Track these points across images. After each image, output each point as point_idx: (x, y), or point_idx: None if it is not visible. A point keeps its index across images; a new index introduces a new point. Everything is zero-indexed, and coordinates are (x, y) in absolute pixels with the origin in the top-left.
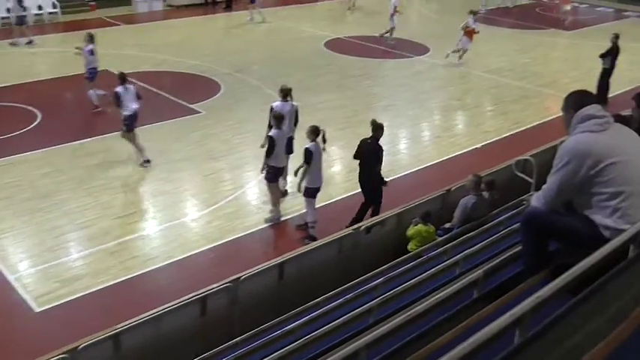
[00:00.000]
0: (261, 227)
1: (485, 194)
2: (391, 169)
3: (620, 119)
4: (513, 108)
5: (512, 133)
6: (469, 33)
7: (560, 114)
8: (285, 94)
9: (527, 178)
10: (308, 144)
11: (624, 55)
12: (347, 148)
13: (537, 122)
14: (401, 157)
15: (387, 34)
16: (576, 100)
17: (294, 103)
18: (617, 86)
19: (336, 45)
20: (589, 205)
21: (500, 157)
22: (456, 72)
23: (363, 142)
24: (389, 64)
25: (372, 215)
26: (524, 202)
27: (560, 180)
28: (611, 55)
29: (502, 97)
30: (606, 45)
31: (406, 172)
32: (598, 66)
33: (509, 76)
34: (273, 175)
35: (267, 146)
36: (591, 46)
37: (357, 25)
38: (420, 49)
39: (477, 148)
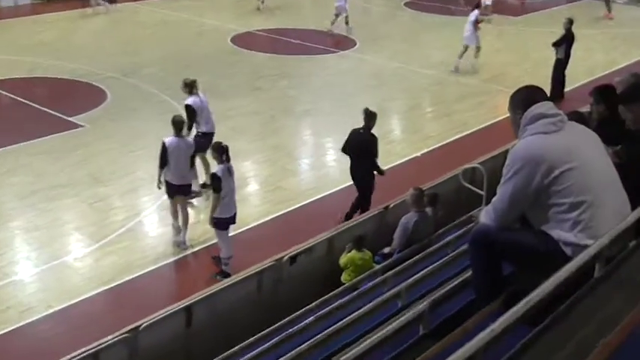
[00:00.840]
0: (163, 263)
1: (429, 211)
2: (315, 186)
3: (577, 117)
4: (457, 108)
5: (457, 137)
6: (476, 25)
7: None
8: (191, 87)
9: (476, 189)
10: (215, 167)
11: (580, 42)
12: (262, 163)
13: (485, 124)
14: (328, 172)
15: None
16: (524, 98)
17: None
18: (574, 79)
19: (246, 40)
20: (546, 218)
21: (444, 166)
22: (388, 69)
23: (355, 133)
24: (309, 62)
25: (354, 208)
26: (474, 219)
27: (512, 191)
28: (565, 43)
29: (444, 96)
30: (559, 32)
31: (335, 189)
32: (551, 56)
33: (450, 72)
34: (169, 190)
35: (160, 157)
36: (542, 33)
37: (270, 16)
38: (346, 43)
39: (416, 156)
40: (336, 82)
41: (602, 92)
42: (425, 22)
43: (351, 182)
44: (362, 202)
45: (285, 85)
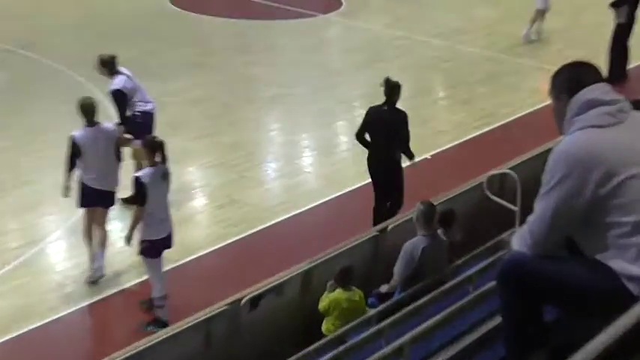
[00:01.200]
0: (73, 308)
1: (442, 233)
2: (286, 200)
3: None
4: (480, 93)
5: (479, 133)
6: None
7: (550, 101)
8: (111, 65)
9: (506, 204)
10: (139, 171)
11: None
12: (213, 169)
13: (518, 114)
14: (304, 180)
15: None
16: (571, 79)
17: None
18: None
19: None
20: (602, 244)
21: (462, 172)
22: (385, 38)
23: (375, 111)
24: (278, 29)
25: (387, 217)
26: (504, 244)
27: (555, 206)
28: (627, 2)
29: (461, 76)
30: None
31: (316, 204)
32: (608, 20)
33: (470, 42)
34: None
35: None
36: None
37: None
38: (328, 3)
39: (426, 158)
40: (315, 57)
41: None
42: None
43: (335, 194)
44: (397, 195)
45: (245, 62)
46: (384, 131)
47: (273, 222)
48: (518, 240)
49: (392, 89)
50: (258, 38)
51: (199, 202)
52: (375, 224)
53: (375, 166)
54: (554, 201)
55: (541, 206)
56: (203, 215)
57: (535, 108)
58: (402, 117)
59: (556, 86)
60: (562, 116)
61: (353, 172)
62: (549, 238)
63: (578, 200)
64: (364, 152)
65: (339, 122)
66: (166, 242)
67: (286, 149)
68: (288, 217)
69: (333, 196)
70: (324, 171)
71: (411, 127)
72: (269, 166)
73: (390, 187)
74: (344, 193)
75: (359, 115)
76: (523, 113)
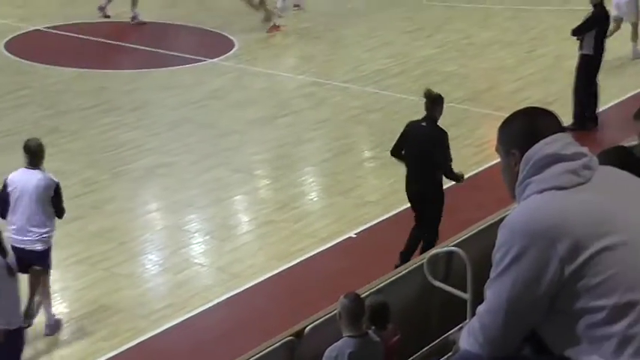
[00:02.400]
0: None
1: (374, 334)
2: (173, 302)
3: (617, 157)
4: None
5: None
6: None
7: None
8: None
9: (453, 291)
10: None
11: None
12: (75, 265)
13: (465, 175)
14: (195, 274)
15: None
16: (524, 129)
17: None
18: (612, 90)
19: (33, 45)
20: (573, 336)
21: (397, 252)
22: (290, 84)
23: (414, 127)
24: (154, 80)
25: (422, 251)
26: (451, 344)
27: (511, 292)
28: (594, 29)
29: (391, 130)
30: (582, 9)
31: (211, 304)
32: (572, 51)
33: (400, 87)
34: None
35: None
36: (553, 13)
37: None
38: (216, 45)
39: (350, 238)
40: (202, 114)
41: None
42: (358, 5)
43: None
44: (427, 232)
45: (109, 124)
46: (421, 149)
47: (155, 332)
48: (468, 337)
49: (433, 102)
50: (127, 93)
51: (57, 310)
52: (408, 249)
53: (408, 188)
54: (509, 285)
55: (493, 293)
56: (65, 328)
57: (484, 167)
58: (442, 135)
59: (505, 139)
60: (514, 177)
61: (258, 260)
62: (506, 333)
63: (539, 283)
64: (273, 232)
65: (236, 197)
66: (18, 335)
67: (169, 235)
68: (176, 324)
69: (233, 293)
70: (221, 261)
71: (329, 198)
72: (147, 258)
73: (422, 215)
74: (247, 289)
75: (263, 187)
76: (470, 174)
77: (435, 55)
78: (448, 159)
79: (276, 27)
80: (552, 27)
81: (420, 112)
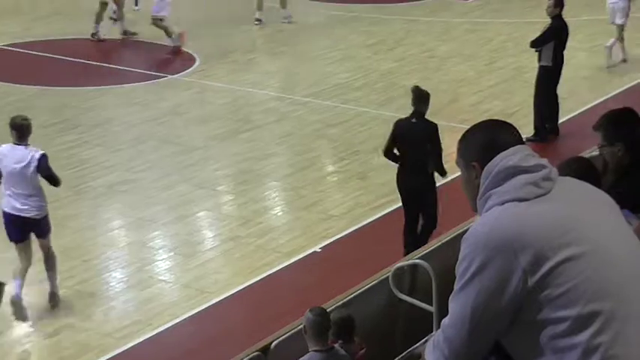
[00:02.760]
0: None
1: (340, 347)
2: (138, 319)
3: (577, 169)
4: (379, 164)
5: (381, 214)
6: None
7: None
8: None
9: (419, 303)
10: None
11: (579, 37)
12: (37, 283)
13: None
14: (160, 291)
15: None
16: (484, 142)
17: None
18: (571, 101)
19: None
20: (537, 347)
21: (362, 265)
22: (252, 99)
23: (403, 124)
24: (115, 96)
25: (420, 238)
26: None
27: (474, 304)
28: (552, 40)
29: (354, 144)
30: (540, 21)
31: (177, 321)
32: (530, 63)
33: (362, 100)
34: None
35: None
36: (512, 25)
37: (49, 17)
38: (178, 61)
39: (315, 252)
40: (164, 130)
41: (618, 123)
42: (319, 19)
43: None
44: (427, 221)
45: (70, 142)
46: (414, 144)
47: (122, 349)
48: (433, 350)
49: (420, 99)
50: (88, 110)
51: (21, 330)
52: (405, 251)
53: (404, 184)
54: (472, 298)
55: (457, 305)
56: (30, 347)
57: (447, 180)
58: (432, 129)
59: (465, 152)
60: (475, 189)
61: (223, 276)
62: (471, 345)
63: (503, 294)
64: (238, 247)
65: (199, 213)
66: None
67: (133, 252)
68: (142, 341)
69: (199, 309)
70: (186, 278)
71: (295, 212)
72: (112, 276)
73: (421, 207)
74: (212, 305)
75: (226, 202)
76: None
77: (396, 69)
78: (441, 150)
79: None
80: (511, 39)
81: (382, 125)
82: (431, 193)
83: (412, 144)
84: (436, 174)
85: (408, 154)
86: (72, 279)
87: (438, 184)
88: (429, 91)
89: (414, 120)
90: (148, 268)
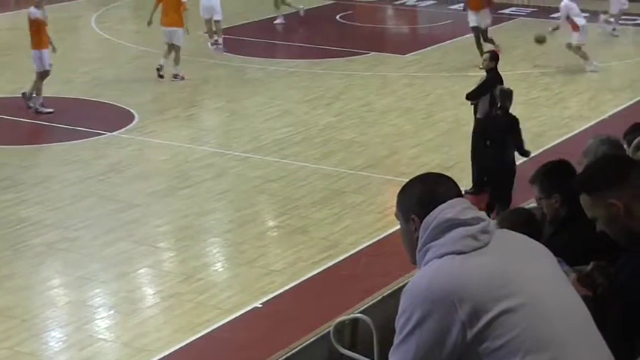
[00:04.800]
0: None
1: None
2: None
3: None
4: (318, 218)
5: (321, 269)
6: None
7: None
8: None
9: (360, 358)
10: None
11: (517, 87)
12: None
13: (368, 242)
14: (99, 350)
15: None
16: (423, 195)
17: None
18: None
19: None
20: None
21: (302, 320)
22: (191, 156)
23: (486, 119)
24: (53, 154)
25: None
26: None
27: (414, 358)
28: (488, 91)
29: (293, 199)
30: (477, 74)
31: None
32: (468, 116)
33: (301, 155)
34: None
35: None
36: (448, 78)
37: None
38: (116, 118)
39: (256, 308)
40: (103, 188)
41: (554, 175)
42: (258, 75)
43: None
44: (502, 196)
45: (7, 202)
46: (494, 137)
47: None
48: None
49: (504, 96)
50: (26, 169)
51: None
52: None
53: (489, 166)
54: (412, 351)
55: (397, 359)
56: None
57: (388, 232)
58: (512, 123)
59: (404, 205)
60: (414, 242)
61: (163, 333)
62: None
63: (442, 347)
64: (178, 304)
65: (140, 270)
66: None
67: (72, 311)
68: None
69: None
70: (126, 336)
71: (234, 268)
72: (51, 335)
73: (502, 190)
74: None
75: (166, 259)
76: (373, 240)
77: (335, 123)
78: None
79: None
80: (449, 92)
81: (321, 179)
82: (510, 178)
83: (494, 136)
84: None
85: (493, 145)
86: (9, 340)
87: (375, 239)
88: (366, 146)
89: (498, 112)
90: (87, 327)
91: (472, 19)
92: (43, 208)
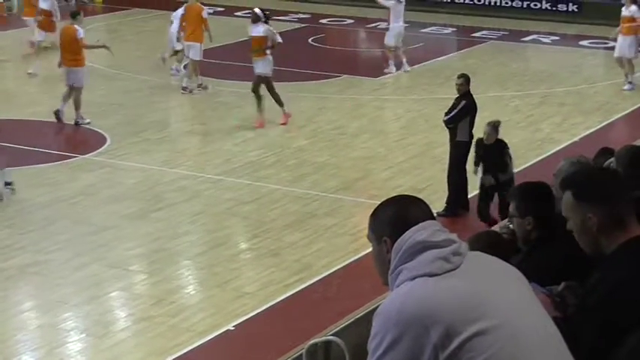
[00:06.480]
0: None
1: None
2: None
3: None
4: (290, 241)
5: (293, 291)
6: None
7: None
8: None
9: None
10: None
11: (489, 112)
12: None
13: (341, 264)
14: None
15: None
16: (395, 217)
17: None
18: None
19: None
20: None
21: (275, 342)
22: (164, 178)
23: (481, 143)
24: (22, 178)
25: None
26: None
27: None
28: (464, 115)
29: (265, 222)
30: (449, 97)
31: None
32: (441, 139)
33: (273, 178)
34: None
35: None
36: (416, 101)
37: None
38: (88, 141)
39: (228, 330)
40: (74, 211)
41: (529, 197)
42: (230, 98)
43: None
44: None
45: None
46: (486, 162)
47: None
48: None
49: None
50: None
51: None
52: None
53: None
54: None
55: None
56: None
57: (360, 254)
58: (502, 149)
59: (376, 228)
60: (386, 264)
61: (135, 356)
62: None
63: None
64: (150, 327)
65: (111, 293)
66: None
67: (43, 335)
68: None
69: None
70: (98, 359)
71: (207, 290)
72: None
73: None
74: None
75: (139, 282)
76: (346, 262)
77: (308, 146)
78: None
79: None
80: (421, 115)
81: (294, 202)
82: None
83: (486, 162)
84: None
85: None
86: None
87: (347, 262)
88: (338, 168)
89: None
90: (58, 351)
91: None
92: (13, 231)
